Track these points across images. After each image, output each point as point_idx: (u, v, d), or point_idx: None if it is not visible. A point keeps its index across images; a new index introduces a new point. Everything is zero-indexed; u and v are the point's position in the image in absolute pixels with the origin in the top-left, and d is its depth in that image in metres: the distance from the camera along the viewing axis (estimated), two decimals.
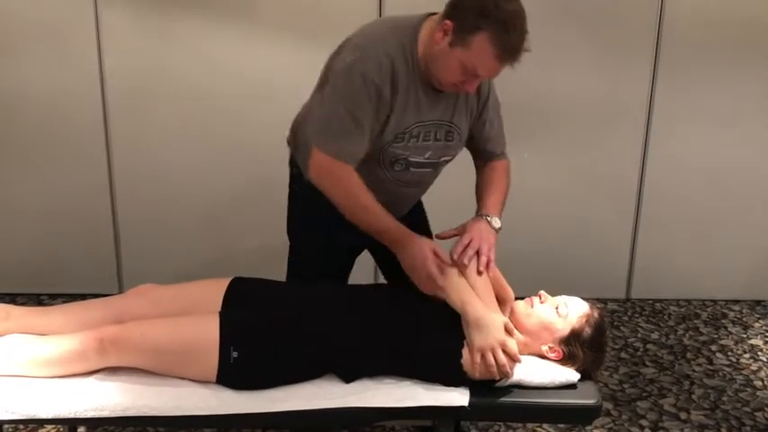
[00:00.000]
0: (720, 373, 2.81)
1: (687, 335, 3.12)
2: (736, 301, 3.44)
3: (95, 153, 3.11)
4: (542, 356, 1.83)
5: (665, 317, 3.29)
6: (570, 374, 1.79)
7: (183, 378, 1.71)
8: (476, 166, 2.09)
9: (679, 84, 3.16)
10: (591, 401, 1.76)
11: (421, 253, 1.80)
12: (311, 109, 1.95)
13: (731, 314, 3.33)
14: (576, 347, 1.80)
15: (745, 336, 3.13)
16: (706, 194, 3.31)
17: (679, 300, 3.44)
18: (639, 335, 3.11)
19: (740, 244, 3.38)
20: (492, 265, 1.85)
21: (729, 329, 3.18)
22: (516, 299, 1.90)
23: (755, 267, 3.43)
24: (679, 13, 3.07)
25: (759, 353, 2.98)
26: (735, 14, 3.09)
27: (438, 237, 1.96)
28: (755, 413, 2.56)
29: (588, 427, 2.39)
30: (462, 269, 1.82)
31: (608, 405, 2.55)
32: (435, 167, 1.99)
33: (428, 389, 1.73)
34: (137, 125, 3.10)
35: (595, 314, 1.84)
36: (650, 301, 3.43)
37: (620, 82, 3.16)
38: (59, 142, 3.10)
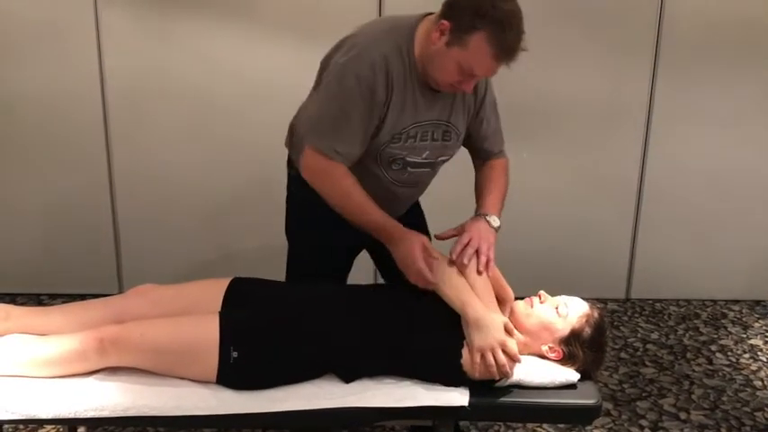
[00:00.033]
0: (720, 373, 2.81)
1: (687, 335, 3.12)
2: (736, 302, 3.44)
3: (95, 153, 3.11)
4: (542, 356, 1.83)
5: (665, 317, 3.29)
6: (570, 374, 1.79)
7: (183, 378, 1.71)
8: (474, 165, 2.09)
9: (679, 84, 3.16)
10: (591, 401, 1.76)
11: (411, 248, 1.81)
12: (306, 108, 1.96)
13: (731, 314, 3.33)
14: (575, 347, 1.80)
15: (744, 336, 3.13)
16: (706, 195, 3.31)
17: (679, 300, 3.44)
18: (639, 335, 3.11)
19: (740, 244, 3.38)
20: (492, 264, 1.85)
21: (729, 329, 3.18)
22: (516, 299, 1.90)
23: (755, 267, 3.43)
24: (679, 14, 3.07)
25: (759, 353, 2.99)
26: (735, 15, 3.09)
27: (437, 237, 1.96)
28: (755, 413, 2.56)
29: (588, 427, 2.39)
30: (462, 269, 1.82)
31: (608, 405, 2.55)
32: (433, 167, 1.99)
33: (428, 389, 1.73)
34: (137, 125, 3.10)
35: (595, 314, 1.84)
36: (650, 302, 3.43)
37: (620, 82, 3.16)
38: (59, 142, 3.10)
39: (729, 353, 2.98)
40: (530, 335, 1.82)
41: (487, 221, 1.90)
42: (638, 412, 2.54)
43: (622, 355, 2.94)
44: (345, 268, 2.11)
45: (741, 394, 2.67)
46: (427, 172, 2.00)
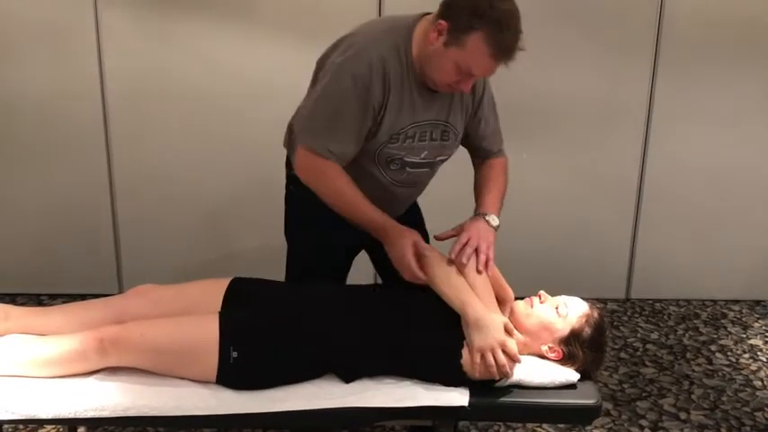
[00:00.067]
0: (720, 373, 2.81)
1: (687, 335, 3.12)
2: (736, 301, 3.44)
3: (95, 153, 3.11)
4: (542, 356, 1.83)
5: (665, 317, 3.29)
6: (570, 374, 1.79)
7: (182, 378, 1.71)
8: (473, 164, 2.09)
9: (679, 83, 3.16)
10: (591, 401, 1.76)
11: (401, 244, 1.83)
12: (302, 107, 1.96)
13: (731, 314, 3.33)
14: (575, 347, 1.80)
15: (744, 336, 3.13)
16: (706, 194, 3.31)
17: (679, 300, 3.44)
18: (639, 335, 3.11)
19: (740, 244, 3.38)
20: (491, 263, 1.85)
21: (729, 329, 3.18)
22: (516, 299, 1.90)
23: (755, 267, 3.43)
24: (679, 13, 3.07)
25: (759, 353, 2.99)
26: (735, 14, 3.09)
27: (436, 238, 1.96)
28: (755, 413, 2.56)
29: (588, 427, 2.39)
30: (461, 268, 1.82)
31: (608, 405, 2.55)
32: (432, 167, 1.99)
33: (428, 389, 1.73)
34: (137, 125, 3.10)
35: (595, 314, 1.84)
36: (650, 301, 3.43)
37: (620, 82, 3.16)
38: (59, 142, 3.10)
39: (729, 353, 2.98)
40: (530, 335, 1.83)
41: (486, 221, 1.90)
42: (638, 412, 2.54)
43: (622, 355, 2.94)
44: (344, 268, 2.11)
45: (741, 394, 2.67)
46: (426, 172, 2.00)
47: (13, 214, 3.19)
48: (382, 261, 1.95)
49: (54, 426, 2.30)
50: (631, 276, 3.42)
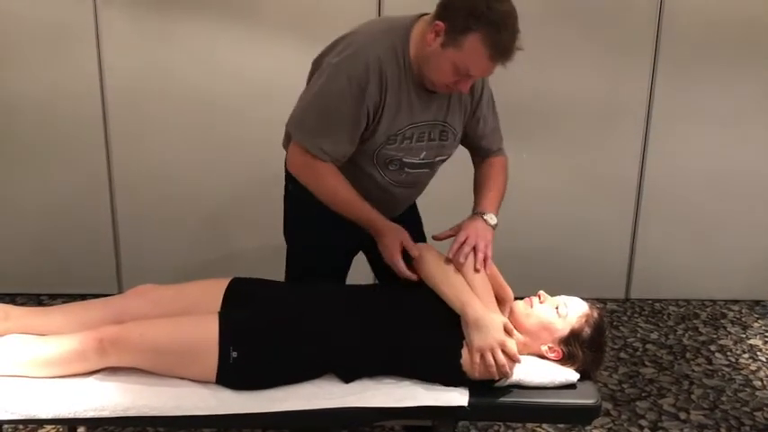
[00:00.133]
0: (720, 373, 2.81)
1: (686, 335, 3.12)
2: (736, 301, 3.44)
3: (95, 153, 3.11)
4: (542, 356, 1.83)
5: (665, 317, 3.29)
6: (570, 374, 1.79)
7: (182, 378, 1.71)
8: (473, 163, 2.09)
9: (679, 83, 3.16)
10: (590, 401, 1.76)
11: (389, 243, 1.85)
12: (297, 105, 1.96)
13: (730, 314, 3.33)
14: (575, 347, 1.80)
15: (744, 336, 3.13)
16: (705, 194, 3.31)
17: (678, 300, 3.44)
18: (639, 335, 3.11)
19: (740, 244, 3.38)
20: (489, 262, 1.85)
21: (729, 329, 3.18)
22: (516, 299, 1.90)
23: (755, 267, 3.43)
24: (678, 13, 3.07)
25: (758, 353, 2.99)
26: (734, 14, 3.09)
27: (434, 238, 1.97)
28: (755, 413, 2.56)
29: (588, 427, 2.39)
30: (459, 267, 1.82)
31: (607, 405, 2.55)
32: (431, 167, 1.99)
33: (428, 389, 1.73)
34: (136, 125, 3.10)
35: (595, 314, 1.84)
36: (650, 301, 3.43)
37: (619, 82, 3.16)
38: (59, 142, 3.10)
39: (729, 353, 2.98)
40: (529, 335, 1.83)
41: (484, 220, 1.90)
42: (638, 412, 2.54)
43: (622, 355, 2.94)
44: (344, 268, 2.11)
45: (740, 394, 2.67)
46: (425, 172, 2.00)
47: (13, 214, 3.19)
48: (378, 262, 1.95)
49: (54, 426, 2.30)
50: (631, 276, 3.43)
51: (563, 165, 3.25)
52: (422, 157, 1.93)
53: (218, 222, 3.24)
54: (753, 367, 2.87)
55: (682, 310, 3.36)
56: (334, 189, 1.88)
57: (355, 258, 2.13)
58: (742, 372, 2.83)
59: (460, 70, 1.73)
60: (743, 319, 3.28)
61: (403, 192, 2.00)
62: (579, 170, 3.26)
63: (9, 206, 3.18)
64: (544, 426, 2.44)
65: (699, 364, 2.88)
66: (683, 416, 2.53)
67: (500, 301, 1.86)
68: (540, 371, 1.78)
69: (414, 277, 1.85)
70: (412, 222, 2.12)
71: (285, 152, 2.05)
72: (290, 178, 2.02)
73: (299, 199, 1.98)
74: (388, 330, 1.77)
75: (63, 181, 3.14)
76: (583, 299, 1.88)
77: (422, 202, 2.19)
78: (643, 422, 2.48)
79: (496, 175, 2.03)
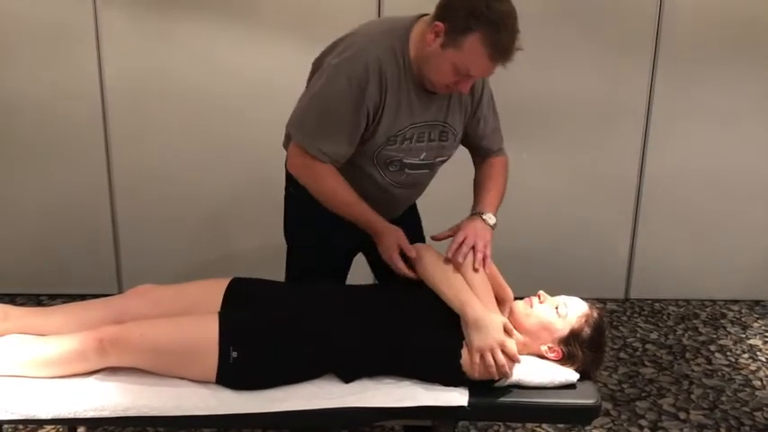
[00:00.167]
0: (719, 373, 2.81)
1: (686, 335, 3.12)
2: (735, 301, 3.44)
3: (95, 153, 3.11)
4: (541, 356, 1.83)
5: (665, 317, 3.29)
6: (569, 374, 1.79)
7: (182, 378, 1.71)
8: (474, 163, 2.09)
9: (678, 83, 3.16)
10: (590, 401, 1.76)
11: (387, 244, 1.86)
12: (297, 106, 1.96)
13: (730, 314, 3.33)
14: (575, 347, 1.80)
15: (744, 336, 3.13)
16: (705, 194, 3.31)
17: (678, 300, 3.45)
18: (638, 335, 3.11)
19: (739, 244, 3.38)
20: (488, 261, 1.85)
21: (728, 329, 3.18)
22: (515, 299, 1.90)
23: (755, 267, 3.43)
24: (678, 13, 3.08)
25: (758, 353, 2.99)
26: (734, 14, 3.10)
27: (433, 238, 1.97)
28: (754, 413, 2.56)
29: (587, 427, 2.39)
30: (457, 267, 1.82)
31: (607, 405, 2.55)
32: (431, 168, 1.99)
33: (427, 389, 1.73)
34: (136, 125, 3.10)
35: (595, 314, 1.84)
36: (649, 301, 3.43)
37: (619, 82, 3.16)
38: (59, 142, 3.10)
39: (728, 353, 2.98)
40: (529, 335, 1.83)
41: (483, 219, 1.90)
42: (638, 412, 2.54)
43: (621, 355, 2.94)
44: (344, 268, 2.11)
45: (740, 394, 2.67)
46: (426, 173, 2.00)
47: (13, 214, 3.19)
48: (378, 263, 1.96)
49: (54, 426, 2.30)
50: (631, 276, 3.43)
51: (563, 165, 3.25)
52: (422, 157, 1.93)
53: (218, 222, 3.24)
54: (752, 367, 2.87)
55: (681, 310, 3.36)
56: (333, 190, 1.88)
57: (355, 258, 2.13)
58: (742, 372, 2.83)
59: (460, 71, 1.72)
60: (743, 319, 3.28)
61: (403, 192, 2.00)
62: (579, 170, 3.26)
63: (9, 206, 3.18)
64: (544, 426, 2.44)
65: (698, 364, 2.88)
66: (682, 416, 2.53)
67: (500, 301, 1.86)
68: (539, 371, 1.78)
69: (413, 276, 1.85)
70: (411, 223, 2.12)
71: (285, 152, 2.05)
72: (290, 178, 2.02)
73: (299, 199, 1.98)
74: (388, 330, 1.77)
75: (63, 181, 3.14)
76: (582, 299, 1.88)
77: (421, 203, 2.19)
78: (643, 422, 2.48)
79: (496, 176, 2.03)
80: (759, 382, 2.75)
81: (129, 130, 3.10)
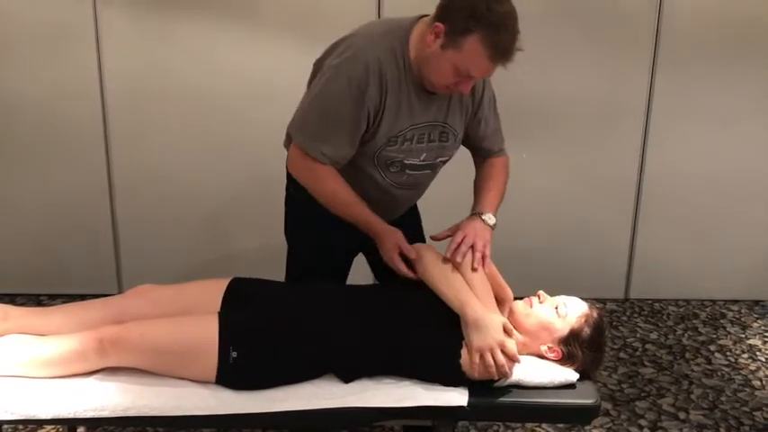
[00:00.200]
0: (719, 373, 2.82)
1: (686, 335, 3.13)
2: (735, 301, 3.44)
3: (95, 153, 3.11)
4: (541, 356, 1.83)
5: (664, 317, 3.29)
6: (569, 374, 1.79)
7: (182, 378, 1.71)
8: (475, 164, 2.09)
9: (678, 83, 3.16)
10: (590, 401, 1.76)
11: (387, 246, 1.86)
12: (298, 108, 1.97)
13: (730, 314, 3.33)
14: (575, 347, 1.80)
15: (743, 336, 3.13)
16: (705, 194, 3.31)
17: (678, 300, 3.45)
18: (638, 335, 3.11)
19: (739, 244, 3.38)
20: (488, 260, 1.85)
21: (728, 329, 3.18)
22: (515, 299, 1.90)
23: (754, 267, 3.43)
24: (678, 13, 3.08)
25: (758, 353, 2.99)
26: (734, 14, 3.10)
27: (432, 238, 1.97)
28: (754, 413, 2.56)
29: (587, 427, 2.39)
30: (456, 266, 1.82)
31: (607, 405, 2.56)
32: (432, 168, 1.99)
33: (427, 389, 1.73)
34: (136, 125, 3.10)
35: (594, 314, 1.84)
36: (649, 301, 3.43)
37: (619, 81, 3.16)
38: (59, 142, 3.10)
39: (728, 353, 2.98)
40: (529, 335, 1.83)
41: (483, 220, 1.90)
42: (637, 412, 2.54)
43: (621, 354, 2.94)
44: (344, 268, 2.11)
45: (740, 394, 2.67)
46: (426, 174, 2.00)
47: (13, 214, 3.19)
48: (378, 263, 1.96)
49: (54, 426, 2.30)
50: (630, 276, 3.43)
51: (563, 165, 3.25)
52: (422, 158, 1.92)
53: (218, 222, 3.24)
54: (752, 367, 2.87)
55: (681, 310, 3.36)
56: (334, 192, 1.88)
57: (355, 258, 2.14)
58: (741, 372, 2.83)
59: (461, 72, 1.72)
60: (742, 319, 3.28)
61: (404, 193, 2.01)
62: (579, 170, 3.27)
63: (9, 206, 3.18)
64: (543, 426, 2.44)
65: (698, 364, 2.88)
66: (682, 416, 2.53)
67: (499, 301, 1.86)
68: (539, 371, 1.78)
69: (415, 277, 1.85)
70: (412, 223, 2.12)
71: (286, 152, 2.05)
72: (290, 179, 2.02)
73: (299, 200, 1.98)
74: (388, 330, 1.77)
75: (63, 181, 3.14)
76: (582, 299, 1.88)
77: (422, 203, 2.19)
78: (642, 422, 2.48)
79: (497, 176, 2.03)
80: (759, 382, 2.76)
81: (129, 130, 3.10)
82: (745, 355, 2.96)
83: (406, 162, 1.91)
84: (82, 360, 1.70)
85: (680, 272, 3.42)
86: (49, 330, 1.81)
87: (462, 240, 1.84)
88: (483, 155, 2.07)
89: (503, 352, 1.70)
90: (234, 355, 1.69)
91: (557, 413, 1.79)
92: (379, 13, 2.99)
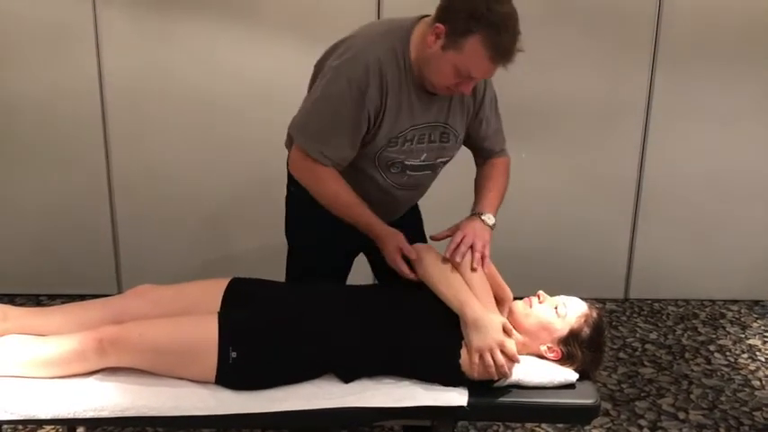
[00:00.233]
0: (719, 373, 2.82)
1: (685, 335, 3.13)
2: (735, 301, 3.44)
3: (94, 153, 3.11)
4: (541, 356, 1.83)
5: (664, 317, 3.29)
6: (569, 374, 1.79)
7: (182, 378, 1.71)
8: (476, 164, 2.09)
9: (678, 83, 3.16)
10: (589, 401, 1.76)
11: (389, 248, 1.86)
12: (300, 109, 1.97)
13: (729, 314, 3.33)
14: (574, 347, 1.80)
15: (743, 336, 3.13)
16: (705, 194, 3.31)
17: (677, 300, 3.45)
18: (638, 335, 3.12)
19: (739, 244, 3.38)
20: (487, 260, 1.85)
21: (728, 329, 3.18)
22: (515, 299, 1.90)
23: (754, 267, 3.44)
24: (678, 13, 3.08)
25: (757, 353, 2.99)
26: (734, 14, 3.10)
27: (432, 238, 1.97)
28: (754, 413, 2.56)
29: (587, 427, 2.39)
30: (456, 266, 1.82)
31: (606, 405, 2.56)
32: (433, 169, 1.99)
33: (427, 389, 1.73)
34: (136, 125, 3.10)
35: (594, 314, 1.84)
36: (649, 301, 3.43)
37: (618, 81, 3.16)
38: (58, 142, 3.10)
39: (728, 353, 2.98)
40: (528, 335, 1.83)
41: (482, 220, 1.90)
42: (637, 412, 2.54)
43: (621, 354, 2.94)
44: (345, 268, 2.11)
45: (739, 394, 2.67)
46: (427, 174, 2.00)
47: (13, 214, 3.19)
48: (379, 263, 1.96)
49: (53, 426, 2.30)
50: (630, 276, 3.43)
51: (562, 165, 3.25)
52: (422, 158, 1.92)
53: (218, 222, 3.24)
54: (752, 367, 2.87)
55: (681, 310, 3.37)
56: (335, 193, 1.88)
57: (355, 258, 2.13)
58: (741, 372, 2.83)
59: (461, 72, 1.72)
60: (742, 319, 3.28)
61: (405, 194, 2.01)
62: (579, 170, 3.27)
63: (9, 206, 3.18)
64: (543, 426, 2.44)
65: (698, 364, 2.88)
66: (681, 416, 2.53)
67: (499, 301, 1.86)
68: (539, 371, 1.78)
69: (417, 278, 1.85)
70: (413, 224, 2.12)
71: (286, 152, 2.05)
72: (291, 179, 2.02)
73: (300, 199, 1.98)
74: (388, 330, 1.77)
75: (63, 181, 3.14)
76: (582, 299, 1.88)
77: (423, 203, 2.19)
78: (642, 422, 2.48)
79: (497, 176, 2.03)
80: (758, 382, 2.76)
81: (128, 130, 3.10)
82: (745, 355, 2.96)
83: (406, 163, 1.91)
84: (81, 360, 1.70)
85: (680, 272, 3.42)
86: (48, 330, 1.81)
87: (461, 240, 1.84)
88: (484, 155, 2.07)
89: (502, 352, 1.70)
90: (233, 355, 1.69)
91: (556, 413, 1.79)
92: (378, 13, 2.99)
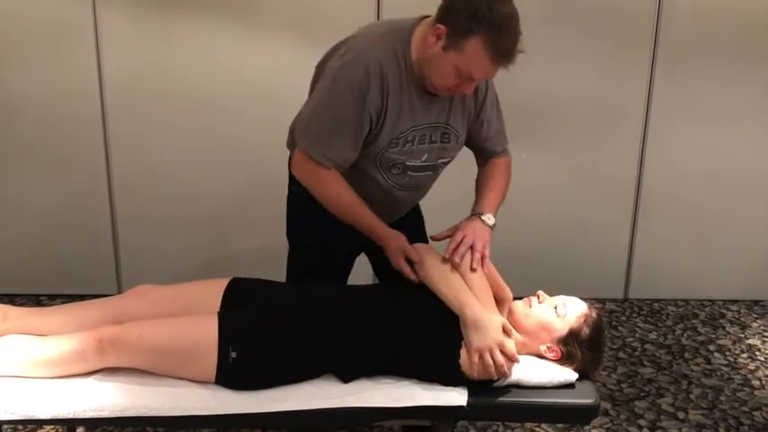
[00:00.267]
0: (718, 373, 2.82)
1: (685, 335, 3.13)
2: (734, 301, 3.45)
3: (94, 153, 3.11)
4: (540, 356, 1.83)
5: (663, 317, 3.29)
6: (568, 374, 1.79)
7: (181, 378, 1.71)
8: (477, 164, 2.09)
9: (678, 83, 3.16)
10: (589, 401, 1.77)
11: (391, 250, 1.86)
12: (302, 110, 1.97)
13: (729, 314, 3.33)
14: (574, 347, 1.80)
15: (742, 335, 3.13)
16: (704, 194, 3.31)
17: (677, 300, 3.45)
18: (637, 335, 3.12)
19: (738, 244, 3.38)
20: (486, 261, 1.85)
21: (727, 329, 3.18)
22: (514, 299, 1.90)
23: (754, 267, 3.44)
24: (677, 13, 3.08)
25: (757, 352, 2.99)
26: (734, 14, 3.10)
27: (432, 238, 1.97)
28: (753, 413, 2.56)
29: (586, 427, 2.40)
30: (455, 267, 1.82)
31: (606, 405, 2.56)
32: (434, 170, 1.99)
33: (426, 389, 1.73)
34: (136, 125, 3.10)
35: (593, 314, 1.84)
36: (648, 301, 3.43)
37: (618, 81, 3.16)
38: (58, 142, 3.10)
39: (727, 352, 2.98)
40: (528, 335, 1.83)
41: (482, 220, 1.90)
42: (637, 412, 2.54)
43: (620, 354, 2.94)
44: (345, 268, 2.11)
45: (739, 394, 2.67)
46: (428, 175, 2.00)
47: (13, 214, 3.19)
48: (380, 263, 1.96)
49: (53, 426, 2.30)
50: (630, 276, 3.43)
51: (562, 165, 3.25)
52: (423, 159, 1.92)
53: (218, 223, 3.24)
54: (751, 367, 2.87)
55: (680, 309, 3.37)
56: (337, 195, 1.88)
57: (356, 258, 2.14)
58: (741, 371, 2.83)
59: (462, 73, 1.72)
60: (741, 319, 3.28)
61: (406, 195, 2.01)
62: (578, 170, 3.27)
63: (9, 206, 3.18)
64: (543, 425, 2.44)
65: (697, 364, 2.88)
66: (681, 415, 2.53)
67: (499, 302, 1.86)
68: (538, 371, 1.78)
69: (419, 280, 1.85)
70: (414, 224, 2.12)
71: (286, 152, 2.06)
72: (293, 179, 2.02)
73: (301, 198, 1.99)
74: (388, 330, 1.77)
75: (63, 181, 3.14)
76: (582, 299, 1.89)
77: (424, 203, 2.19)
78: (642, 422, 2.49)
79: (498, 176, 2.03)
80: (758, 382, 2.76)
81: (128, 130, 3.10)
82: (745, 355, 2.96)
83: (407, 163, 1.91)
84: (81, 360, 1.70)
85: (679, 272, 3.42)
86: (48, 330, 1.81)
87: (461, 241, 1.84)
88: (486, 155, 2.07)
89: (502, 352, 1.70)
90: (233, 355, 1.69)
91: (556, 413, 1.79)
92: (378, 13, 2.99)
